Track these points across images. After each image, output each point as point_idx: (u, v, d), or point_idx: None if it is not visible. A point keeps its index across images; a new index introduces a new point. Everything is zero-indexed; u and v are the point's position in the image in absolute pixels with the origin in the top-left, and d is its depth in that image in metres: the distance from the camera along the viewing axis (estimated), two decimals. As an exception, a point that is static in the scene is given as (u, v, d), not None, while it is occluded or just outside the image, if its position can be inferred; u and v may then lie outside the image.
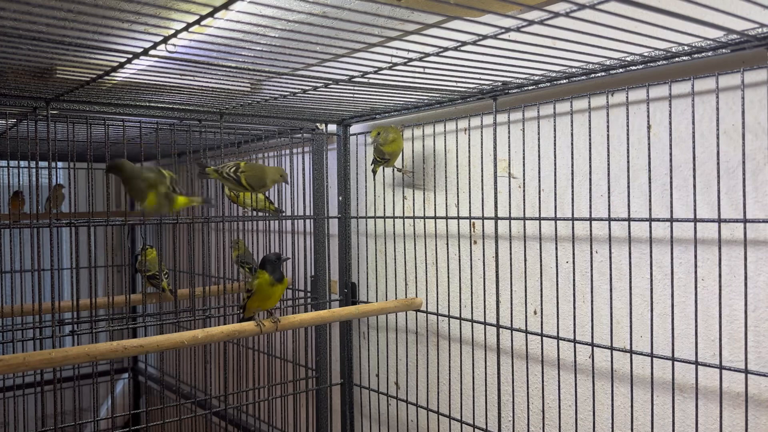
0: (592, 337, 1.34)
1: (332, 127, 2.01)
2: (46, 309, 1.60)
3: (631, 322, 1.27)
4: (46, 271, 1.56)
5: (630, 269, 1.27)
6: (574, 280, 1.39)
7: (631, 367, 1.28)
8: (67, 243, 3.46)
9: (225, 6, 0.83)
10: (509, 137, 1.52)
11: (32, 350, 1.32)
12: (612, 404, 1.32)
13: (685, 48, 1.08)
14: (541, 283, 1.47)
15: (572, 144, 1.36)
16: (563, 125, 1.40)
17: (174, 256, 2.79)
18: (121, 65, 1.18)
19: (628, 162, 1.26)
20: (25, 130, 1.89)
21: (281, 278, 1.49)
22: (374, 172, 1.79)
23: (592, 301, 1.34)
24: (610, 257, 1.32)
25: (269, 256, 1.51)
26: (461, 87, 1.43)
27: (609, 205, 1.29)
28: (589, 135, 1.33)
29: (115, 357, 1.35)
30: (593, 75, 1.26)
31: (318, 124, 2.01)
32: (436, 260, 1.74)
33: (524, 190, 1.48)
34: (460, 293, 1.68)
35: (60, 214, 2.75)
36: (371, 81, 1.33)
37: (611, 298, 1.31)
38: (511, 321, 1.54)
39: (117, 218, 1.63)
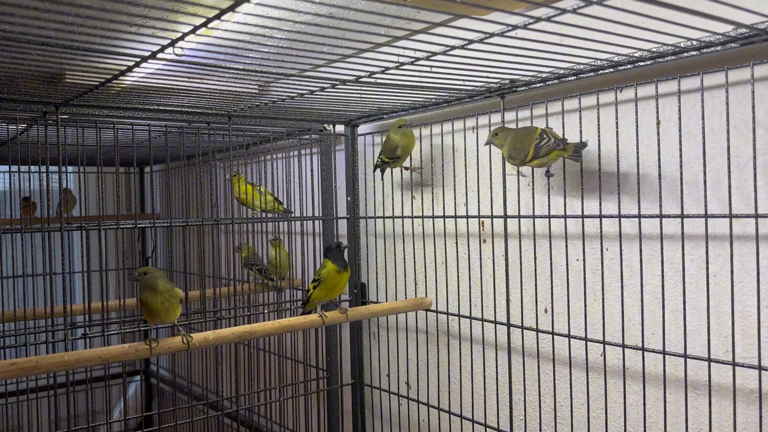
0: (604, 335, 1.34)
1: (340, 128, 2.01)
2: (58, 312, 1.61)
3: (642, 319, 1.26)
4: (58, 275, 1.57)
5: (641, 266, 1.27)
6: (584, 277, 1.38)
7: (643, 365, 1.27)
8: (78, 247, 3.48)
9: (231, 8, 0.83)
10: (517, 135, 1.51)
11: (45, 353, 1.33)
12: (624, 402, 1.31)
13: (694, 43, 1.07)
14: (552, 282, 1.46)
15: (581, 141, 1.35)
16: (571, 122, 1.39)
17: (184, 258, 2.80)
18: (130, 69, 1.18)
19: (637, 158, 1.25)
20: (35, 135, 1.90)
21: (346, 266, 1.50)
22: (382, 171, 1.78)
23: (603, 298, 1.33)
24: (621, 254, 1.31)
25: (331, 245, 1.52)
26: (469, 85, 1.42)
27: (619, 202, 1.28)
28: (598, 132, 1.33)
29: (127, 359, 1.36)
30: (601, 71, 1.25)
31: (326, 125, 2.01)
32: (446, 259, 1.73)
33: (533, 188, 1.47)
34: (470, 292, 1.68)
35: (71, 218, 2.76)
36: (379, 81, 1.33)
37: (622, 296, 1.30)
38: (522, 320, 1.53)
39: (127, 221, 1.64)
